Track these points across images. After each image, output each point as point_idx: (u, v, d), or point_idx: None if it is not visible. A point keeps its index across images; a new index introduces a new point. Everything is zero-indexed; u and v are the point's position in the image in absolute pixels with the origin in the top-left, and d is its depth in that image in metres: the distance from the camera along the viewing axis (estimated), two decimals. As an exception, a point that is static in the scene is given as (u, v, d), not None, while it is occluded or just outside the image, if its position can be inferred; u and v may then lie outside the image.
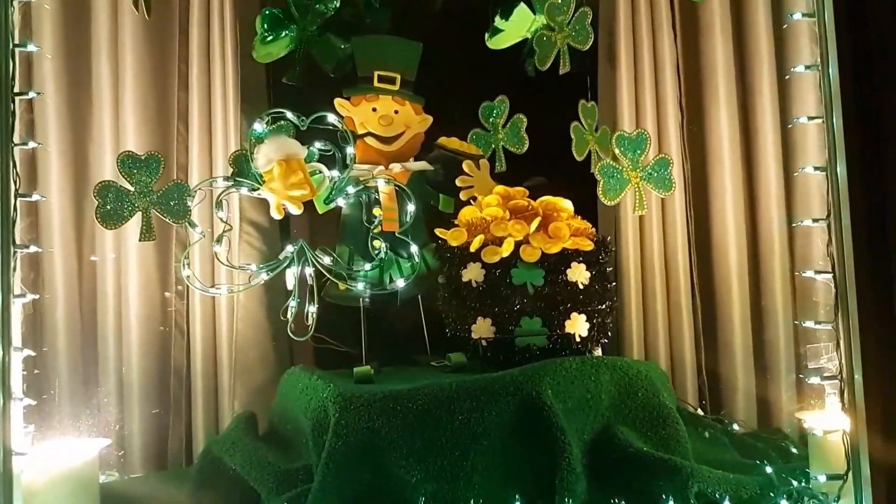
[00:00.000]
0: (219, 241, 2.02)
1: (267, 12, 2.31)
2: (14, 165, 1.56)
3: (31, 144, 1.72)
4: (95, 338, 2.35)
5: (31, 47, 1.67)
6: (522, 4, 2.36)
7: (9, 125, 1.56)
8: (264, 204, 2.28)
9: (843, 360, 1.56)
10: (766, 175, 2.42)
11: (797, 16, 1.69)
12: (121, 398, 2.32)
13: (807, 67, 1.72)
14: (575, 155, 2.23)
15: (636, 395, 1.90)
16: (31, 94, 1.75)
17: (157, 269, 2.38)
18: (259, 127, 2.04)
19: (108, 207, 1.83)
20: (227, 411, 2.34)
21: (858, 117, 1.58)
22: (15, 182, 1.56)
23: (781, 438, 2.22)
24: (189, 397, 2.37)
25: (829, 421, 1.67)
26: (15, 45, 1.56)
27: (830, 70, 1.63)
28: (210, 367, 2.36)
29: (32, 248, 1.60)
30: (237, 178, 2.05)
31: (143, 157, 1.89)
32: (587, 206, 2.31)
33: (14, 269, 1.55)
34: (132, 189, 1.87)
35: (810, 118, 1.74)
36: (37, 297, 1.83)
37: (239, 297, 2.30)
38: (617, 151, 2.09)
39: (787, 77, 2.22)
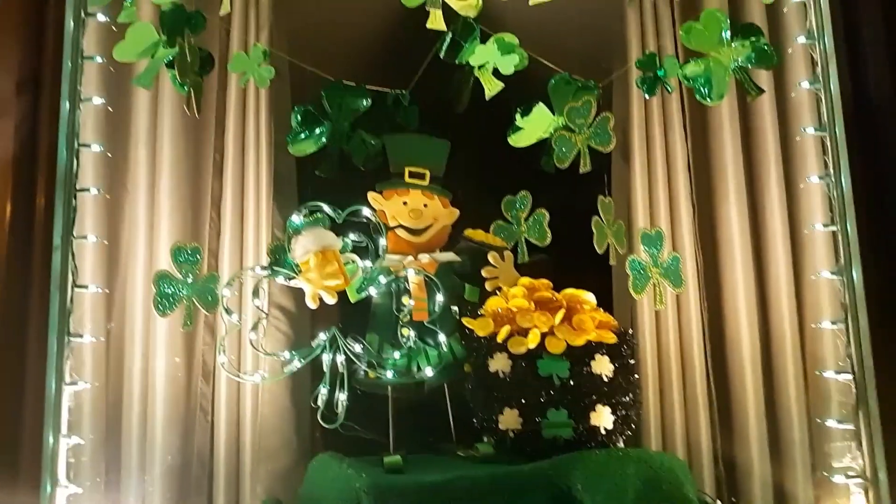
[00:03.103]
0: (254, 328, 2.09)
1: (302, 109, 2.43)
2: (72, 257, 1.64)
3: (91, 238, 1.79)
4: (119, 422, 2.33)
5: (94, 147, 1.76)
6: (541, 104, 2.49)
7: (69, 220, 1.64)
8: (293, 290, 2.36)
9: (867, 459, 1.62)
10: (777, 271, 2.49)
11: (810, 130, 1.81)
12: (142, 480, 2.31)
13: (820, 178, 1.83)
14: (596, 248, 2.32)
15: (661, 487, 1.93)
16: (93, 191, 1.83)
17: (185, 352, 2.41)
18: (297, 218, 2.13)
19: (162, 296, 1.91)
20: (249, 496, 2.34)
21: (871, 225, 1.70)
22: (73, 273, 1.63)
23: (799, 532, 2.25)
24: (211, 480, 2.36)
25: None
26: (80, 145, 1.66)
27: (843, 180, 1.75)
28: (233, 451, 2.36)
29: (87, 339, 1.66)
30: (274, 268, 2.13)
31: (188, 248, 1.98)
32: (604, 298, 2.39)
33: (67, 358, 1.61)
34: (180, 278, 1.95)
35: (825, 225, 1.84)
36: (87, 385, 1.87)
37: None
38: (641, 248, 2.19)
39: (801, 186, 2.32)
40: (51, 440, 1.56)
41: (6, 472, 1.72)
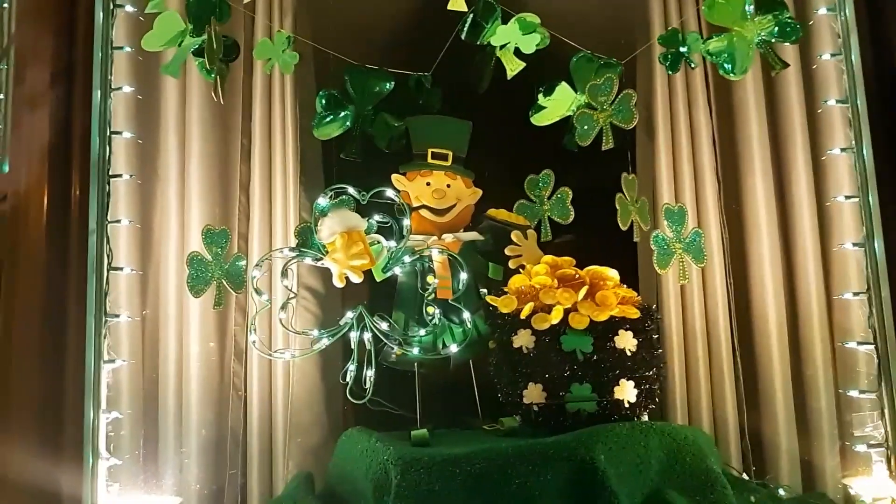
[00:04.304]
0: (283, 307, 2.15)
1: (326, 93, 2.47)
2: (107, 241, 1.71)
3: (124, 222, 1.86)
4: (156, 398, 2.40)
5: (126, 134, 1.82)
6: (564, 83, 2.49)
7: (104, 205, 1.71)
8: (321, 271, 2.41)
9: (889, 428, 1.62)
10: (803, 244, 2.47)
11: (831, 102, 1.80)
12: (178, 453, 2.37)
13: (842, 150, 1.82)
14: (620, 224, 2.33)
15: (684, 459, 1.95)
16: (126, 176, 1.89)
17: (217, 332, 2.48)
18: (323, 201, 2.18)
19: (194, 276, 1.98)
20: (282, 472, 2.40)
21: (893, 196, 1.69)
22: (108, 256, 1.70)
23: (827, 504, 2.25)
24: (245, 458, 2.43)
25: (877, 488, 1.72)
26: (112, 133, 1.72)
27: (864, 151, 1.74)
28: (266, 428, 2.43)
29: (123, 318, 1.73)
30: (302, 249, 2.18)
31: (217, 231, 2.04)
32: (629, 274, 2.40)
33: (105, 337, 1.68)
34: (211, 260, 2.01)
35: (847, 197, 1.83)
36: (124, 362, 1.95)
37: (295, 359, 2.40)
38: (665, 224, 2.20)
39: (822, 158, 2.29)
40: (91, 415, 1.64)
41: (51, 445, 1.82)
